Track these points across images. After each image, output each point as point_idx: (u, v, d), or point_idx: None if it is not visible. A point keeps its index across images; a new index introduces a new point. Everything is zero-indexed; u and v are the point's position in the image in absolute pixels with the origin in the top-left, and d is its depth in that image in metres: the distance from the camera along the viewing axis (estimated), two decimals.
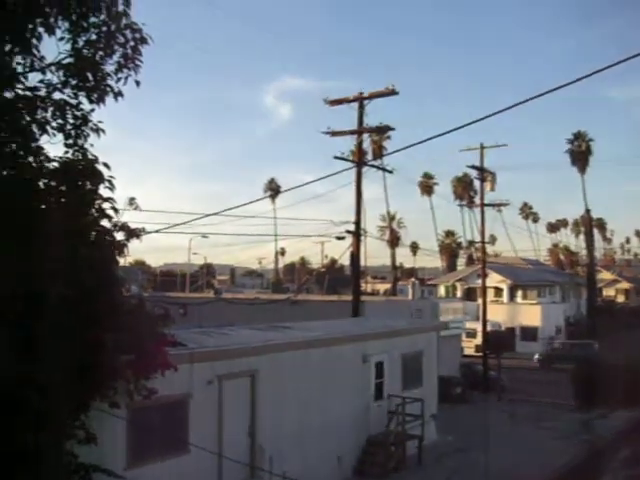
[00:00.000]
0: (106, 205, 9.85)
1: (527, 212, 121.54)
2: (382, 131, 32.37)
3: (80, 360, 9.05)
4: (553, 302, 61.66)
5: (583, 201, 73.53)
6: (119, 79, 9.84)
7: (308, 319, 20.98)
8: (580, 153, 74.14)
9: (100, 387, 10.00)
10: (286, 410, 16.07)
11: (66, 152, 9.76)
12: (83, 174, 9.65)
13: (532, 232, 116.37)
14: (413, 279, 61.49)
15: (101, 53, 9.68)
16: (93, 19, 9.54)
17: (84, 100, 9.73)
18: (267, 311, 25.83)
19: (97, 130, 9.82)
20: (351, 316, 24.22)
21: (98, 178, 9.69)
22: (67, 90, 9.65)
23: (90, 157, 9.77)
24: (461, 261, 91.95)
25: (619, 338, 43.92)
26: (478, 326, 39.61)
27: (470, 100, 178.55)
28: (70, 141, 9.73)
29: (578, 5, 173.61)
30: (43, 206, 9.30)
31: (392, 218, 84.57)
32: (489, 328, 37.00)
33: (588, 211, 74.68)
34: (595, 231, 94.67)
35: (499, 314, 50.69)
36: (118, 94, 9.88)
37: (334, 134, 24.96)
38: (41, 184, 9.41)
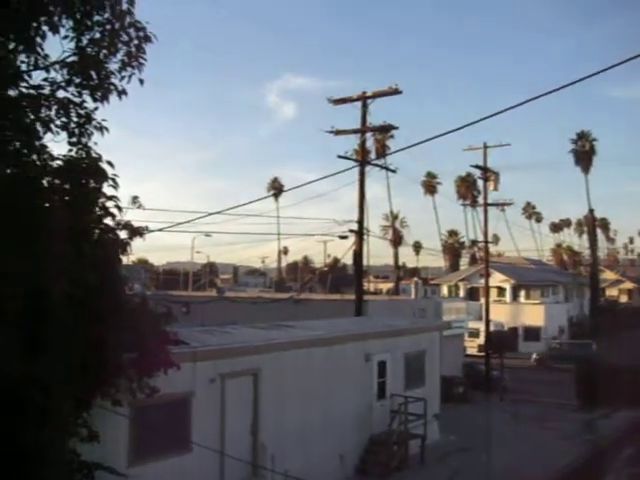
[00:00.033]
0: (110, 203, 9.89)
1: (530, 212, 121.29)
2: (385, 130, 32.28)
3: (83, 358, 9.08)
4: (556, 302, 61.57)
5: (586, 201, 73.70)
6: (123, 77, 9.86)
7: (311, 318, 20.97)
8: (584, 153, 74.19)
9: (103, 385, 10.02)
10: (288, 409, 16.08)
11: (70, 150, 9.78)
12: (87, 172, 9.66)
13: (535, 232, 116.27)
14: (416, 278, 61.43)
15: (105, 51, 9.70)
16: (97, 17, 9.55)
17: (88, 98, 9.75)
18: (270, 310, 25.81)
19: (101, 128, 9.84)
20: (354, 315, 24.23)
21: (102, 176, 9.70)
22: (71, 88, 9.67)
23: (94, 155, 9.79)
24: (464, 261, 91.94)
25: (618, 338, 43.91)
26: (481, 326, 39.51)
27: (470, 100, 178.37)
28: (74, 139, 9.75)
29: (578, 5, 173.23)
30: (47, 204, 9.30)
31: (395, 217, 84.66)
32: (492, 328, 36.88)
33: (591, 211, 74.73)
34: (598, 231, 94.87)
35: (502, 314, 50.48)
36: (122, 92, 9.90)
37: (337, 133, 24.96)
38: (45, 182, 9.42)
